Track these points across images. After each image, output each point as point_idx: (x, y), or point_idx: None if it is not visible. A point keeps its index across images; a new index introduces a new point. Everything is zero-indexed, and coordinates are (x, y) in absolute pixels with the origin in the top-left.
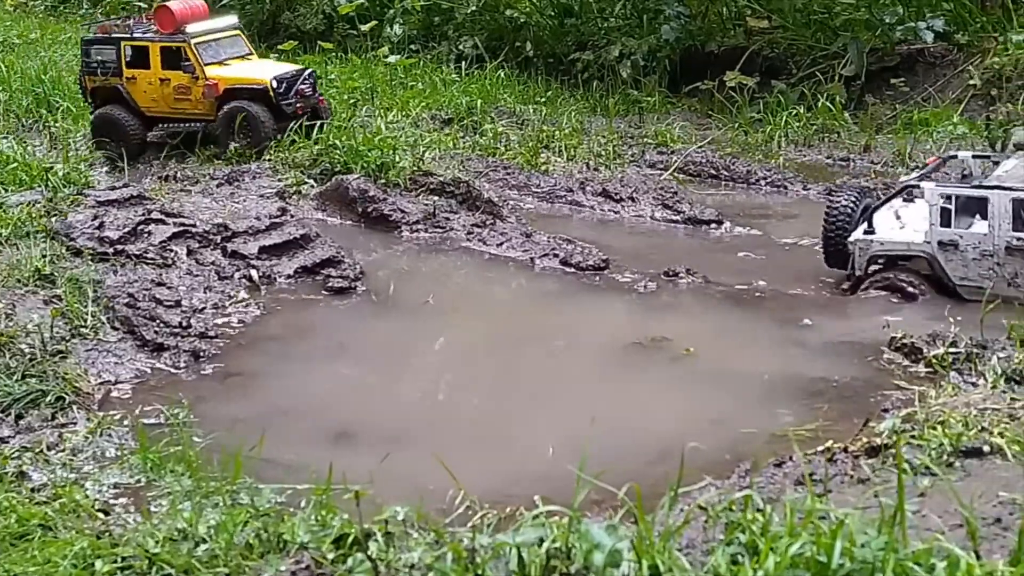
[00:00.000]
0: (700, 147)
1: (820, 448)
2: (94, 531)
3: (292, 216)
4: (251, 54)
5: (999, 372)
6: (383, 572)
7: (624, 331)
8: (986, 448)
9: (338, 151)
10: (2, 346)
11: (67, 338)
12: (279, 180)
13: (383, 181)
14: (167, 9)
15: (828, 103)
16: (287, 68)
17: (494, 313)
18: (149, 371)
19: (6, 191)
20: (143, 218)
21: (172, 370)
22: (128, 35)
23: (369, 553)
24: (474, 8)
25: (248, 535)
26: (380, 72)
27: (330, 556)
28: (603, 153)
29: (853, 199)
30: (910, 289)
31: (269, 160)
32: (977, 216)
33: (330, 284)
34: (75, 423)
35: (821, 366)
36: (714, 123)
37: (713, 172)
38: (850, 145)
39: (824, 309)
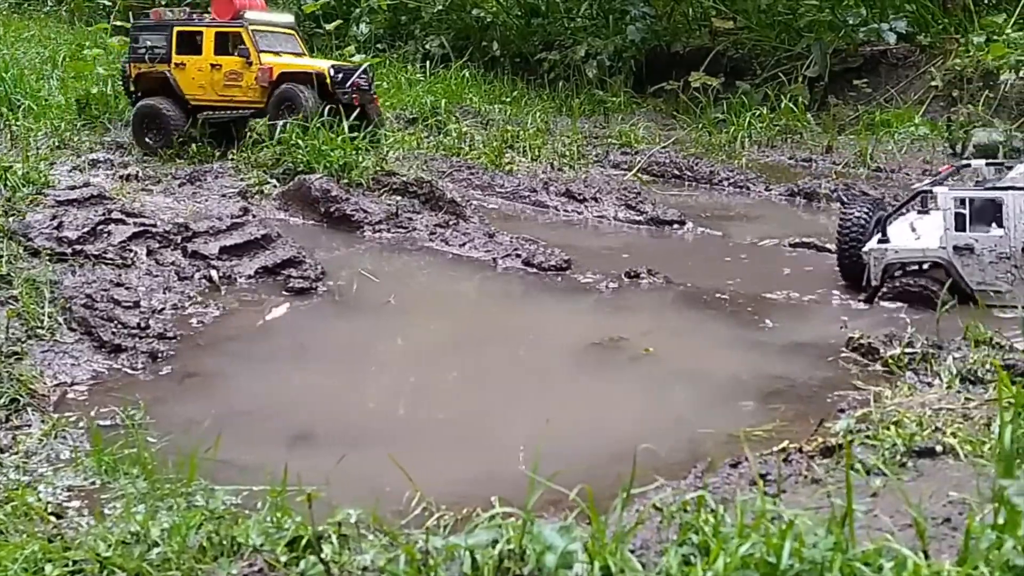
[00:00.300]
0: (664, 148)
1: (776, 448)
2: (46, 535)
3: (254, 216)
4: (303, 54)
5: (954, 372)
6: (336, 574)
7: (585, 332)
8: (939, 448)
9: (301, 150)
10: None
11: (23, 339)
12: (241, 180)
13: (346, 181)
14: None
15: (791, 104)
16: (345, 64)
17: (455, 314)
18: (106, 372)
19: None
20: (103, 218)
21: (129, 371)
22: (182, 20)
23: (322, 556)
24: (441, 7)
25: (201, 538)
26: None
27: (283, 559)
28: (567, 153)
29: (866, 211)
30: (926, 295)
31: (232, 160)
32: (993, 225)
33: (291, 284)
34: (29, 425)
35: (780, 367)
36: (678, 124)
37: (676, 173)
38: (812, 146)
39: (784, 310)
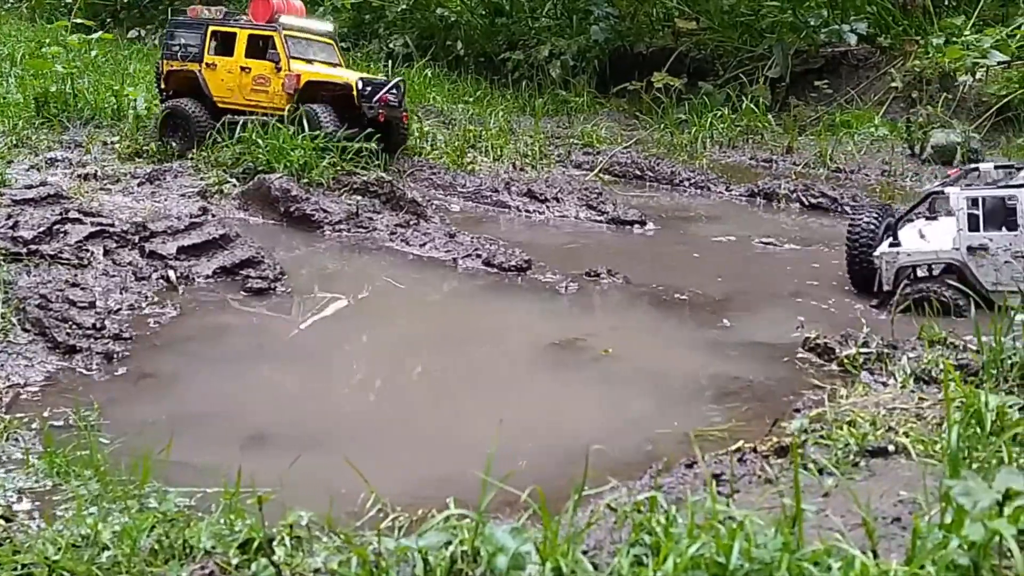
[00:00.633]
0: (626, 148)
1: (731, 448)
2: None
3: (213, 216)
4: (340, 64)
5: (908, 372)
6: None
7: (544, 332)
8: (891, 448)
9: (260, 150)
10: None
11: None
12: (201, 179)
13: (306, 180)
14: (265, 0)
15: (753, 105)
16: (376, 77)
17: (414, 314)
18: (60, 373)
19: None
20: (60, 217)
21: (84, 372)
22: (218, 20)
23: (274, 558)
24: (405, 6)
25: (152, 541)
26: None
27: (235, 561)
28: (530, 153)
29: (875, 216)
30: (943, 301)
31: (191, 159)
32: (1004, 228)
33: (249, 285)
34: None
35: (737, 366)
36: (641, 124)
37: (638, 173)
38: (773, 146)
39: (742, 310)
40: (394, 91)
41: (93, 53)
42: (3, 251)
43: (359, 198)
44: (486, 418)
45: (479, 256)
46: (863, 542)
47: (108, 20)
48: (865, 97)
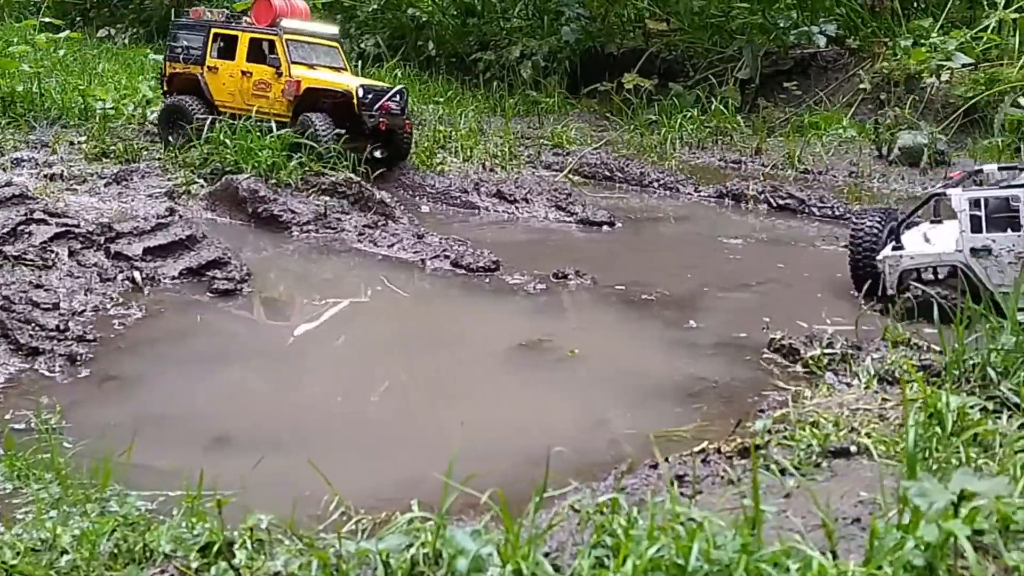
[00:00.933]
0: (596, 149)
1: (696, 449)
2: None
3: (180, 216)
4: (345, 69)
5: (872, 373)
6: None
7: (512, 333)
8: (853, 448)
9: (228, 150)
10: None
11: None
12: (169, 180)
13: (274, 181)
14: (267, 2)
15: (722, 106)
16: (378, 84)
17: (381, 316)
18: (23, 376)
19: None
20: (24, 218)
21: (47, 374)
22: (219, 22)
23: (233, 562)
24: (376, 6)
25: (112, 545)
26: None
27: (195, 565)
28: (499, 154)
29: (878, 220)
30: (949, 305)
31: (159, 159)
32: (1008, 230)
33: (215, 286)
34: None
35: (704, 367)
36: (611, 125)
37: (607, 174)
38: (742, 147)
39: (708, 310)
40: (396, 99)
41: (61, 52)
42: None
43: (327, 199)
44: (452, 420)
45: (447, 257)
46: (823, 543)
47: (78, 19)
48: (834, 99)
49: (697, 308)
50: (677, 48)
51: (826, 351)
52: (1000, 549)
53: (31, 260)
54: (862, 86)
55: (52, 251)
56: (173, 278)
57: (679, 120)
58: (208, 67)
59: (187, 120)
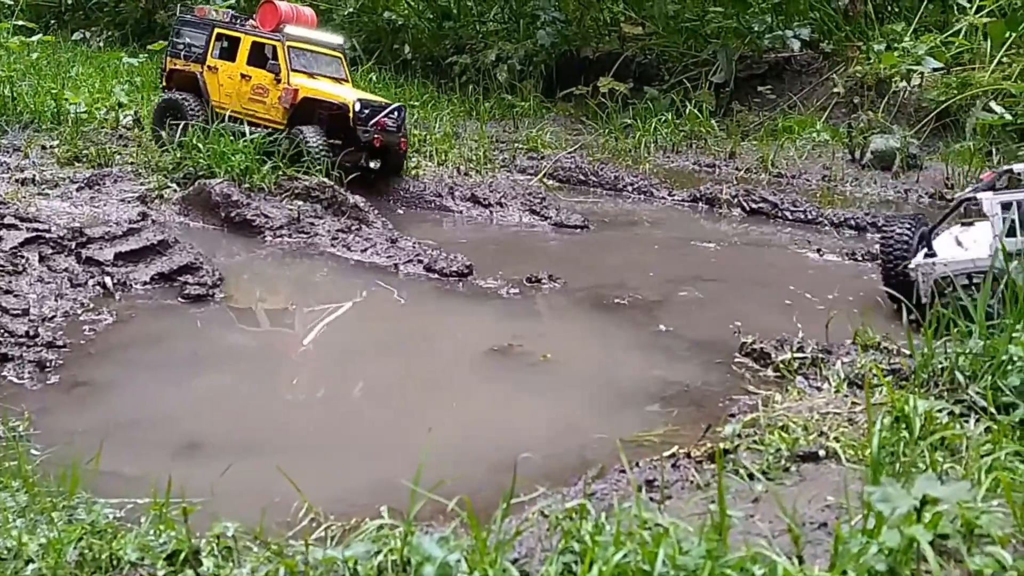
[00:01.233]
0: (570, 153)
1: (665, 454)
2: None
3: (152, 221)
4: (346, 80)
5: (842, 377)
6: None
7: (484, 338)
8: (822, 452)
9: (202, 154)
10: None
11: None
12: (141, 184)
13: (247, 185)
14: (273, 6)
15: (697, 110)
16: (377, 98)
17: (353, 321)
18: None
19: None
20: None
21: (16, 381)
22: (223, 23)
23: (200, 570)
24: (352, 9)
25: (78, 553)
26: None
27: (161, 574)
28: (474, 158)
29: (908, 226)
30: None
31: (132, 163)
32: None
33: (187, 291)
34: None
35: (675, 371)
36: (586, 129)
37: (582, 178)
38: (716, 151)
39: (680, 314)
40: (393, 115)
41: (34, 55)
42: None
43: (301, 203)
44: (423, 426)
45: (420, 262)
46: (790, 548)
47: (52, 22)
48: (808, 102)
49: (669, 312)
50: (652, 52)
51: (796, 355)
52: (963, 553)
53: (1, 266)
54: (836, 90)
55: (22, 256)
56: (145, 283)
57: (654, 124)
58: (208, 66)
59: (181, 117)
